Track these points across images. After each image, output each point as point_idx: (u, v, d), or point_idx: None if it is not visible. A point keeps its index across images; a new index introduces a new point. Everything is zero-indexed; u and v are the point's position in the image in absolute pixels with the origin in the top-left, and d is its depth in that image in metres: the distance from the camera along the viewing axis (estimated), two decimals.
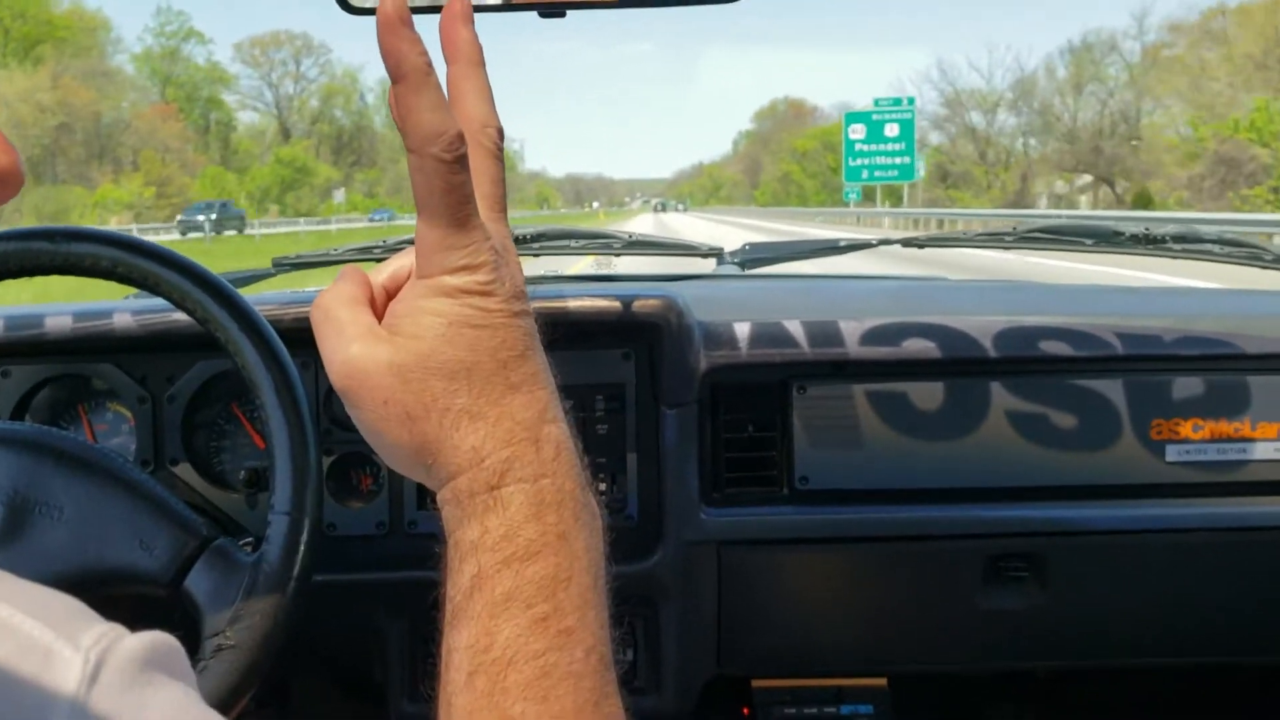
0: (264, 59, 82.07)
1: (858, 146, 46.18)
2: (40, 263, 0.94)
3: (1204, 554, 1.35)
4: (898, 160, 45.65)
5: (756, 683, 1.47)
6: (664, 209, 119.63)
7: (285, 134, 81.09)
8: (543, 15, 0.88)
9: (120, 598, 0.87)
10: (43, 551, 0.90)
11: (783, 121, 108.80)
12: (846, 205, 53.39)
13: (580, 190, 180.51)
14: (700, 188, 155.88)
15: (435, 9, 0.93)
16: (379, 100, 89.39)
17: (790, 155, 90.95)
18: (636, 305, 1.27)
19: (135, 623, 0.40)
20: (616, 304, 1.27)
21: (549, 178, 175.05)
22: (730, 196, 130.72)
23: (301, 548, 0.92)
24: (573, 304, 1.27)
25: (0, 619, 0.34)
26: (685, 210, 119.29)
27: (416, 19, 0.48)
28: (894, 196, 55.28)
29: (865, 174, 46.26)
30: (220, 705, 0.85)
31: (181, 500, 0.97)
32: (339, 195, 70.70)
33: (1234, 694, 1.67)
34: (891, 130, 45.41)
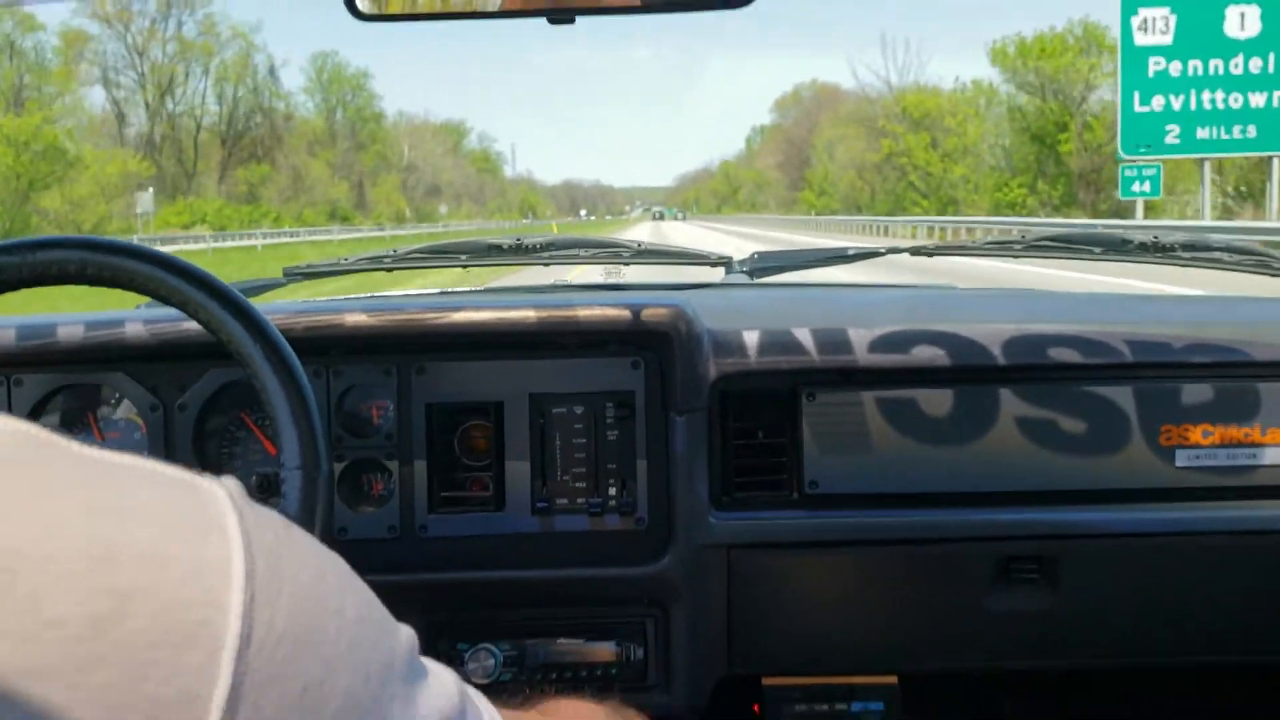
0: (121, 12, 57.11)
1: (1153, 67, 18.60)
2: (7, 278, 0.92)
3: (1213, 556, 1.35)
4: (1257, 99, 18.11)
5: (767, 680, 1.48)
6: (661, 218, 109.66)
7: (121, 117, 57.47)
8: (552, 21, 0.90)
9: None
10: None
11: (810, 110, 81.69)
12: (1130, 212, 21.92)
13: (576, 198, 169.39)
14: (711, 192, 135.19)
15: (441, 15, 0.95)
16: (312, 84, 71.47)
17: (901, 121, 48.42)
18: (646, 314, 1.28)
19: None
20: (626, 313, 1.28)
21: (540, 185, 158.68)
22: (754, 200, 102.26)
23: (319, 497, 0.91)
24: (582, 312, 1.28)
25: (152, 467, 0.40)
26: (683, 219, 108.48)
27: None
28: (1245, 184, 24.03)
29: (1173, 135, 18.67)
30: None
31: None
32: (145, 201, 40.46)
33: (1242, 694, 1.67)
34: (1241, 25, 18.10)
